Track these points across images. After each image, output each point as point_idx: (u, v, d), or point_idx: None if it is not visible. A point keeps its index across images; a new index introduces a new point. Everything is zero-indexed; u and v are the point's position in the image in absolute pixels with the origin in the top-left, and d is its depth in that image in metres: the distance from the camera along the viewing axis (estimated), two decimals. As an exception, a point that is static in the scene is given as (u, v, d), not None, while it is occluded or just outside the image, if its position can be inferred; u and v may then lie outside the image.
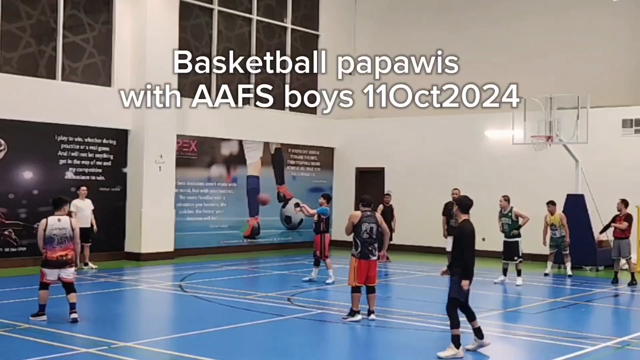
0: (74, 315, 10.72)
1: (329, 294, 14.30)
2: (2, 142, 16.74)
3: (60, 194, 17.37)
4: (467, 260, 9.20)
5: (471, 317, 9.43)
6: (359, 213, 11.38)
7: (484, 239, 19.63)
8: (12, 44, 17.30)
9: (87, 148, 18.28)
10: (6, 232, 16.74)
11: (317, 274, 15.36)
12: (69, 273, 10.81)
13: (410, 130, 23.26)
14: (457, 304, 9.28)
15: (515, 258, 15.88)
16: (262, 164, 22.47)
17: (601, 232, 17.08)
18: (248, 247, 21.84)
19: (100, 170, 18.52)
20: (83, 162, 18.19)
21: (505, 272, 15.87)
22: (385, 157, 23.62)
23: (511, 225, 15.97)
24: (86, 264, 16.67)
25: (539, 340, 10.24)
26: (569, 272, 17.32)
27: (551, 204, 17.46)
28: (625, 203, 16.39)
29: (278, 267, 18.37)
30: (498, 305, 13.58)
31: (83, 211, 16.58)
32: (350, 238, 11.41)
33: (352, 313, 11.19)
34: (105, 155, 18.64)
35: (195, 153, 20.59)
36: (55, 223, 10.85)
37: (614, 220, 16.34)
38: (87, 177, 18.22)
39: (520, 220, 15.94)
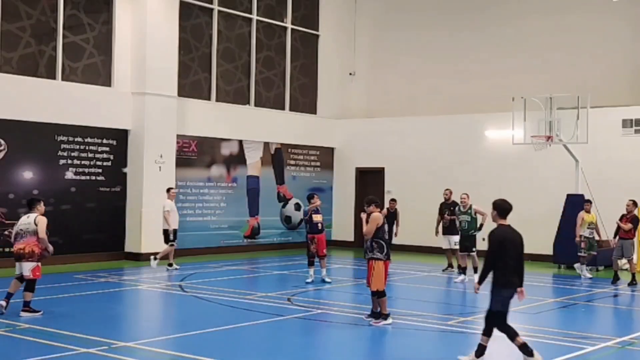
0: (22, 314, 11.05)
1: (329, 294, 14.30)
2: (2, 142, 16.74)
3: (61, 194, 17.62)
4: (489, 267, 8.72)
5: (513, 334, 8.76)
6: (380, 215, 11.19)
7: (484, 239, 19.55)
8: (12, 44, 17.30)
9: (87, 148, 18.28)
10: (6, 232, 16.72)
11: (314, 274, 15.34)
12: (25, 271, 11.12)
13: (410, 130, 23.26)
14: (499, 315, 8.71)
15: (474, 250, 15.93)
16: (262, 164, 22.47)
17: (615, 237, 16.70)
18: (248, 247, 21.84)
19: (100, 170, 18.51)
20: (83, 162, 18.20)
21: (465, 270, 15.93)
22: (385, 157, 23.61)
23: (471, 223, 16.01)
24: (170, 265, 16.98)
25: (539, 340, 10.23)
26: (589, 274, 17.03)
27: (588, 202, 17.16)
28: (635, 204, 16.35)
29: (278, 267, 18.37)
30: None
31: (175, 212, 17.10)
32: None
33: (385, 317, 10.96)
34: (105, 155, 18.64)
35: (195, 153, 20.59)
36: (24, 220, 11.36)
37: (621, 219, 16.28)
38: (87, 177, 18.23)
39: (480, 218, 15.91)
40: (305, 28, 24.24)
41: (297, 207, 23.34)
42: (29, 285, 11.18)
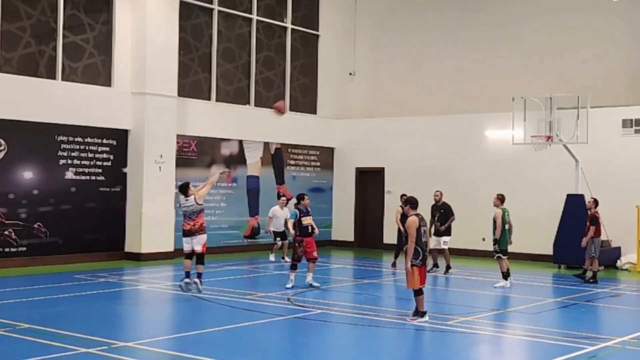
0: (196, 283, 13.24)
1: (329, 294, 14.30)
2: (2, 142, 16.74)
3: (61, 194, 17.65)
4: None
5: None
6: (416, 218, 11.05)
7: (484, 239, 19.66)
8: (12, 44, 17.30)
9: (87, 148, 18.28)
10: (6, 232, 16.74)
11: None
12: (198, 244, 13.41)
13: (410, 130, 23.26)
14: None
15: (496, 254, 15.40)
16: (262, 164, 22.47)
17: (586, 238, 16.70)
18: (248, 247, 21.83)
19: (100, 170, 18.52)
20: (83, 162, 18.20)
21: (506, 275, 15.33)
22: (385, 157, 23.62)
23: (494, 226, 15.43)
24: (283, 258, 19.26)
25: (539, 340, 10.24)
26: None
27: None
28: (596, 203, 16.50)
29: (278, 267, 18.37)
30: (498, 305, 13.58)
31: (278, 218, 19.05)
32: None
33: (421, 314, 11.09)
34: (105, 155, 18.64)
35: (195, 153, 20.59)
36: (184, 202, 13.51)
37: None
38: (87, 177, 18.23)
39: (496, 231, 15.18)
40: (305, 28, 24.23)
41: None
42: (200, 259, 13.48)
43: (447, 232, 17.48)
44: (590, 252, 16.16)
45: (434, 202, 17.74)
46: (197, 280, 13.33)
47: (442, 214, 17.48)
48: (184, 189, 13.70)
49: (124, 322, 11.59)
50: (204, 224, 13.63)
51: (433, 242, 17.45)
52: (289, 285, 14.52)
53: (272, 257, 19.54)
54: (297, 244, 14.54)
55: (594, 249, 16.18)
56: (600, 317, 13.04)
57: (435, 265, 17.64)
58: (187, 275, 13.34)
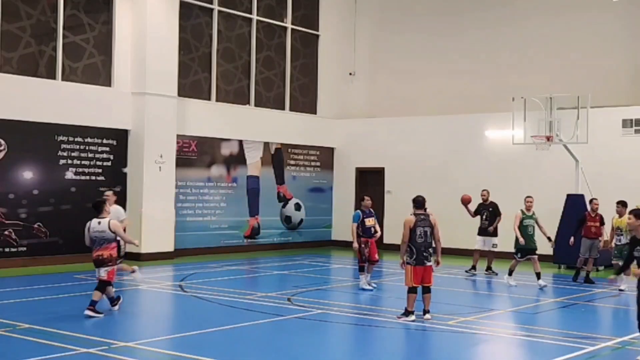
0: (86, 312, 11.05)
1: (329, 294, 14.29)
2: (2, 142, 16.74)
3: (61, 194, 17.63)
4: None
5: None
6: (413, 217, 11.22)
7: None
8: (12, 44, 17.30)
9: (87, 148, 18.28)
10: (6, 232, 16.74)
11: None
12: (101, 272, 11.27)
13: (410, 130, 23.25)
14: None
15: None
16: (262, 164, 22.47)
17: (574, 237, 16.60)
18: (248, 247, 21.83)
19: (100, 170, 18.51)
20: (83, 162, 18.20)
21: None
22: (385, 157, 23.61)
23: (534, 228, 15.49)
24: (133, 272, 14.57)
25: (539, 340, 10.24)
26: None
27: (621, 204, 15.60)
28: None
29: (278, 267, 18.36)
30: (498, 305, 13.58)
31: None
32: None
33: (407, 313, 11.18)
34: (105, 155, 18.64)
35: (195, 153, 20.59)
36: (95, 226, 11.33)
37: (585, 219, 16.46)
38: (87, 177, 18.23)
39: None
40: (305, 28, 24.23)
41: (297, 207, 23.35)
42: (101, 285, 11.32)
43: (495, 232, 17.11)
44: (583, 253, 16.24)
45: (481, 202, 17.38)
46: (87, 310, 11.08)
47: (490, 212, 17.14)
48: (98, 206, 11.44)
49: (124, 322, 11.58)
50: (113, 254, 11.40)
51: (478, 243, 17.21)
52: (367, 287, 14.26)
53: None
54: (362, 245, 14.27)
55: (584, 249, 16.24)
56: (600, 317, 13.04)
57: (473, 267, 17.10)
58: (93, 304, 11.19)
